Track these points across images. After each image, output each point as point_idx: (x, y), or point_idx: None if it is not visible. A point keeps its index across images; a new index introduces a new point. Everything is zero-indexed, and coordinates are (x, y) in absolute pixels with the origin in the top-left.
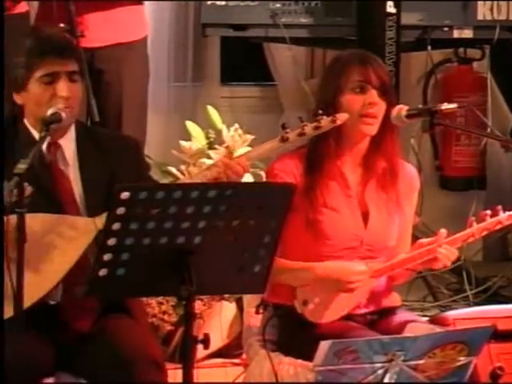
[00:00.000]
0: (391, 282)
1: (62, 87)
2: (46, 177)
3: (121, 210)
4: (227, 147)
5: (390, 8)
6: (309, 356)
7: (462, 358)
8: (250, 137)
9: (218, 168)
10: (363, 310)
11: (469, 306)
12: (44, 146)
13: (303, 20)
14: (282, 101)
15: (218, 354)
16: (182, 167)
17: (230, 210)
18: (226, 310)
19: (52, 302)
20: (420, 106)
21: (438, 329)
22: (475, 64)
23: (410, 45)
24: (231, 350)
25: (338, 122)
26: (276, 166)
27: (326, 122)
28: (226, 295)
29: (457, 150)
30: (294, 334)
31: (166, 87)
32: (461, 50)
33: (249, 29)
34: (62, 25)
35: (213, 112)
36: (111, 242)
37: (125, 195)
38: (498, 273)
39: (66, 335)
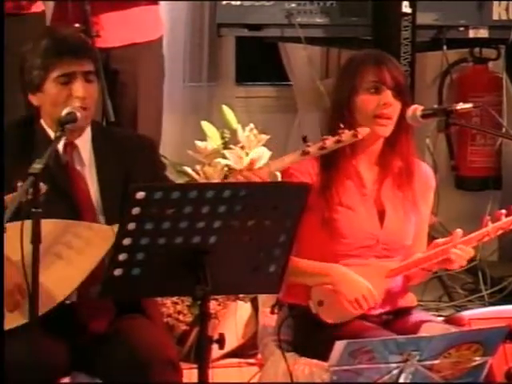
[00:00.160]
0: (407, 282)
1: (78, 87)
2: (62, 177)
3: (136, 210)
4: (242, 147)
5: (406, 8)
6: (324, 356)
7: (477, 358)
8: (265, 137)
9: (238, 180)
10: (378, 311)
11: (484, 305)
12: (60, 147)
13: (318, 20)
14: (296, 101)
15: (233, 353)
16: (198, 167)
17: (246, 209)
18: (241, 309)
19: (68, 302)
20: (435, 106)
21: (453, 329)
22: (490, 64)
23: (425, 45)
24: (246, 350)
25: (360, 137)
26: (292, 165)
27: (347, 135)
28: (241, 295)
29: (472, 150)
30: (309, 334)
31: (182, 87)
32: (476, 49)
33: (264, 29)
34: (77, 25)
35: (228, 112)
36: (126, 241)
37: (140, 195)
38: None
39: (82, 335)
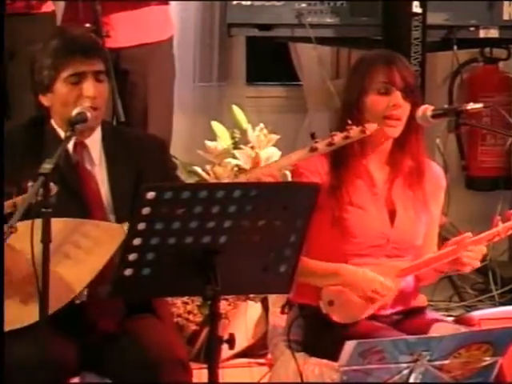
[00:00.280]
0: (418, 282)
1: (89, 87)
2: (72, 177)
3: (146, 210)
4: (252, 147)
5: (416, 8)
6: (334, 356)
7: (487, 358)
8: (275, 137)
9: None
10: (389, 311)
11: (494, 306)
12: (70, 146)
13: (329, 20)
14: (307, 101)
15: (243, 354)
16: (208, 167)
17: (256, 209)
18: (252, 309)
19: (77, 301)
20: (446, 106)
21: (463, 329)
22: (501, 64)
23: (435, 45)
24: (256, 350)
25: (367, 133)
26: (301, 164)
27: (355, 131)
28: (252, 295)
29: (483, 150)
30: (319, 334)
31: (192, 87)
32: (487, 49)
33: (274, 29)
34: (87, 25)
35: (238, 112)
36: (136, 241)
37: (150, 195)
38: None
39: (92, 335)
